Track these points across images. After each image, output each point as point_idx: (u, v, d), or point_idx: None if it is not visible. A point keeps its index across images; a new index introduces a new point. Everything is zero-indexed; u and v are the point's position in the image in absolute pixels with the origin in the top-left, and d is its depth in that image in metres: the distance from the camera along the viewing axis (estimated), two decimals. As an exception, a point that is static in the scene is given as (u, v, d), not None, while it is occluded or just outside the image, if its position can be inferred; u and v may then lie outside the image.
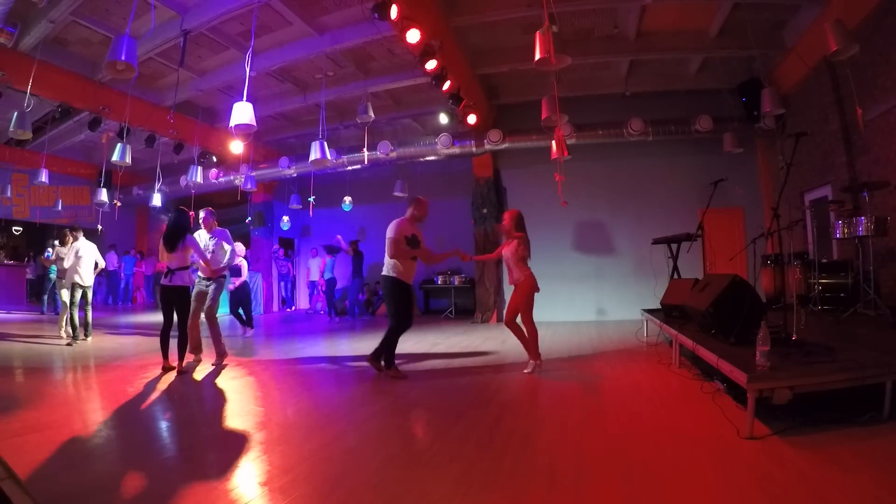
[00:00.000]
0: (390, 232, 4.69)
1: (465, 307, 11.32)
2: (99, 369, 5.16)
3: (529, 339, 4.92)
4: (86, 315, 7.00)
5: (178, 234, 5.02)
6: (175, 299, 5.05)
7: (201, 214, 5.65)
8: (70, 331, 6.73)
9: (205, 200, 13.27)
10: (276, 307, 13.42)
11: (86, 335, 6.88)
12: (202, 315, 5.47)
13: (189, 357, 5.20)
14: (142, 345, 6.11)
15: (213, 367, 5.28)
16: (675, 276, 6.67)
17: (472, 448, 2.75)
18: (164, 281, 5.03)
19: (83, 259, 6.83)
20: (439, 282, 11.66)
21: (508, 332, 5.09)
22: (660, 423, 3.14)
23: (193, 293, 5.41)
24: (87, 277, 6.89)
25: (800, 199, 7.92)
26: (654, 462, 2.47)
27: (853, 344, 3.56)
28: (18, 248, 14.75)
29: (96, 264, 7.07)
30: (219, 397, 4.09)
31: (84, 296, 6.91)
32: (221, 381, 4.64)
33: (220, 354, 5.42)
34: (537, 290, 4.87)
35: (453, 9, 6.86)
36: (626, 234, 9.58)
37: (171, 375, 4.79)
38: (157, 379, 4.64)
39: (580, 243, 9.88)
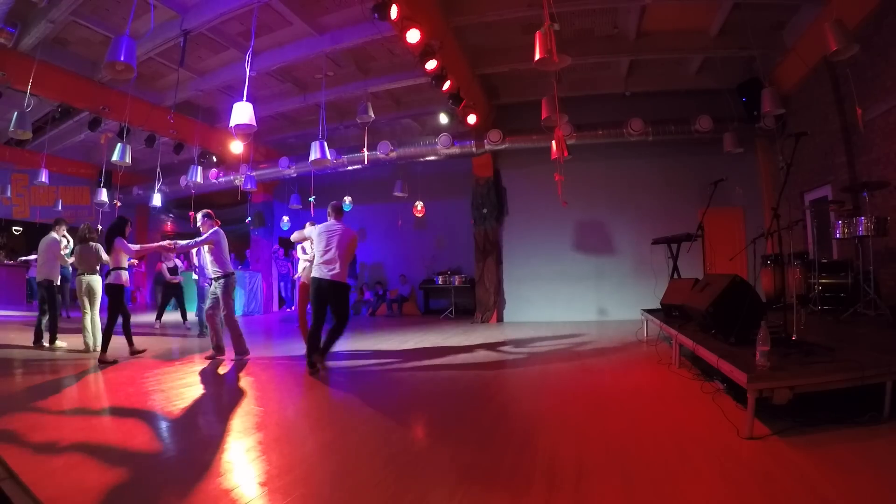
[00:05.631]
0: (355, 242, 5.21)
1: (466, 307, 11.33)
2: (99, 369, 5.16)
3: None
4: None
5: (109, 238, 5.70)
6: (109, 296, 5.64)
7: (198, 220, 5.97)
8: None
9: (205, 200, 13.28)
10: (275, 307, 13.43)
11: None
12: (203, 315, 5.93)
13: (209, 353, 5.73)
14: (141, 344, 6.11)
15: (234, 361, 5.59)
16: (675, 276, 6.67)
17: (472, 448, 2.75)
18: (105, 279, 5.67)
19: None
20: (439, 282, 11.66)
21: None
22: (660, 423, 3.13)
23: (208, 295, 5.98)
24: None
25: (800, 199, 7.92)
26: (654, 462, 2.46)
27: (853, 344, 3.56)
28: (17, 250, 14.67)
29: None
30: (218, 397, 4.09)
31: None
32: (221, 381, 4.65)
33: (219, 350, 5.73)
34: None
35: (453, 9, 6.86)
36: (626, 234, 9.58)
37: (171, 375, 4.80)
38: (156, 379, 4.64)
39: (580, 243, 9.88)
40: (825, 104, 7.05)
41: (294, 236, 5.64)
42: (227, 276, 5.66)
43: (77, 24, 7.05)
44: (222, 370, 5.15)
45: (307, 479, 2.34)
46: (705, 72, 8.78)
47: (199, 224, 5.91)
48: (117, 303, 5.66)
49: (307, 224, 5.75)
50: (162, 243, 6.19)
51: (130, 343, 5.80)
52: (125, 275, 5.73)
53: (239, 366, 5.34)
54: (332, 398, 4.17)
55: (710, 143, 8.62)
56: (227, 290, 5.66)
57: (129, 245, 5.78)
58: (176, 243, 5.96)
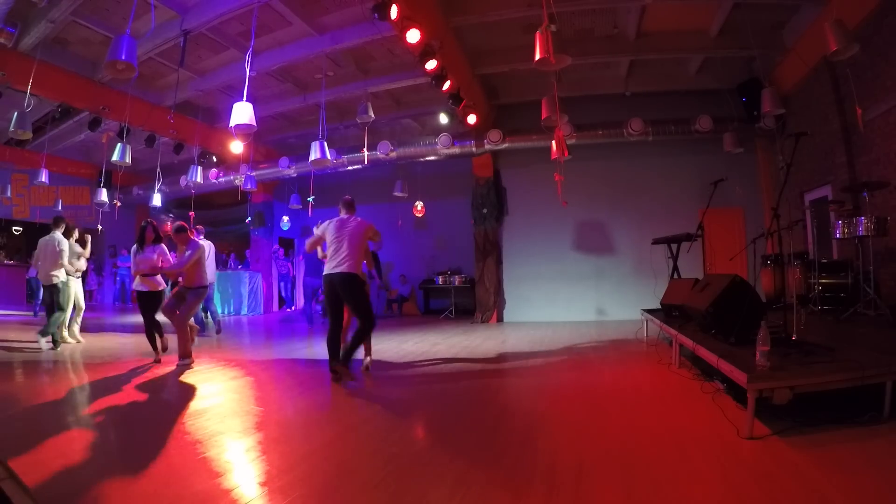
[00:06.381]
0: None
1: (465, 307, 11.32)
2: (99, 369, 5.16)
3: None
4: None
5: None
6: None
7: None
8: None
9: (205, 200, 13.28)
10: (275, 307, 13.43)
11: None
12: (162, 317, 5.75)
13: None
14: (143, 345, 6.12)
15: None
16: (675, 276, 6.67)
17: (472, 448, 2.75)
18: None
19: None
20: (439, 282, 11.67)
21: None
22: (660, 423, 3.13)
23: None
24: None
25: (800, 199, 7.91)
26: (654, 462, 2.46)
27: (853, 344, 3.56)
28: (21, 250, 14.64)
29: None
30: (218, 397, 4.09)
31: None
32: (220, 381, 4.64)
33: (181, 356, 5.38)
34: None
35: (453, 9, 6.85)
36: (626, 234, 9.58)
37: (171, 376, 4.80)
38: (157, 378, 4.64)
39: (580, 243, 9.88)
40: (825, 104, 7.05)
41: (308, 245, 5.17)
42: (203, 287, 5.58)
43: (77, 24, 7.04)
44: (222, 371, 5.15)
45: (307, 479, 2.34)
46: (705, 72, 8.78)
47: (173, 239, 5.62)
48: (141, 308, 5.66)
49: (315, 227, 5.27)
50: (146, 271, 5.81)
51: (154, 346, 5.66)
52: (138, 279, 5.63)
53: (180, 370, 5.06)
54: (331, 398, 4.17)
55: (710, 143, 8.62)
56: (198, 299, 5.57)
57: (132, 259, 5.69)
58: (162, 269, 5.74)
